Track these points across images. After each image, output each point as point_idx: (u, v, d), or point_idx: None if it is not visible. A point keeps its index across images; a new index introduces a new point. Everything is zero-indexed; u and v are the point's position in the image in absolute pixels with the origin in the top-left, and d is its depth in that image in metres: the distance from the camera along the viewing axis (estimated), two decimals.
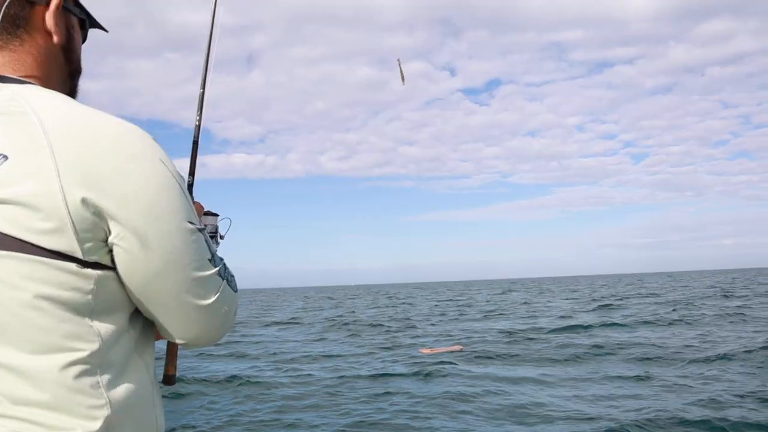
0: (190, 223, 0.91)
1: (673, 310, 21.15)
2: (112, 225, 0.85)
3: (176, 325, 0.96)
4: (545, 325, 17.84)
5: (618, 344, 12.42)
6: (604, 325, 16.76)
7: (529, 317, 21.76)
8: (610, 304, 26.09)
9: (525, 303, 32.65)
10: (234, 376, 10.23)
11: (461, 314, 25.03)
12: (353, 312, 31.04)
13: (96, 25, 1.12)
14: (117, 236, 0.85)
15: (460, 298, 45.58)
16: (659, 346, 11.83)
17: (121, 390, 0.87)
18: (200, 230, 0.94)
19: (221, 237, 1.39)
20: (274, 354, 13.67)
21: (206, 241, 0.95)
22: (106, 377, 0.86)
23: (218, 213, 1.40)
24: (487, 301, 38.03)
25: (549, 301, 33.01)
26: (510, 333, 15.82)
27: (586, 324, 16.96)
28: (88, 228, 0.83)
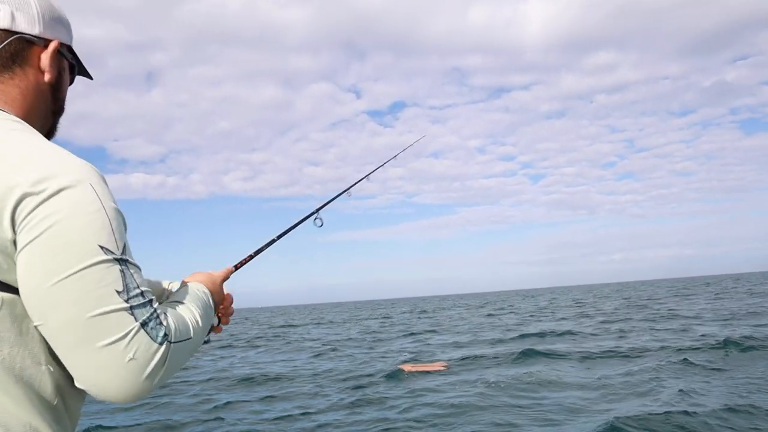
0: (103, 249, 0.84)
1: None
2: (22, 247, 0.83)
3: (75, 368, 0.86)
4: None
5: None
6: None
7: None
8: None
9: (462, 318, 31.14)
10: None
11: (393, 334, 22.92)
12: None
13: (84, 72, 1.19)
14: (21, 258, 0.83)
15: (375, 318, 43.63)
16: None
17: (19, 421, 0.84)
18: (119, 260, 0.86)
19: (207, 341, 1.26)
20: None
21: (123, 273, 0.86)
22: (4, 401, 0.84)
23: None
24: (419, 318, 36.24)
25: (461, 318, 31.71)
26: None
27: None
28: (5, 248, 0.83)
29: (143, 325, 0.86)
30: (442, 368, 10.44)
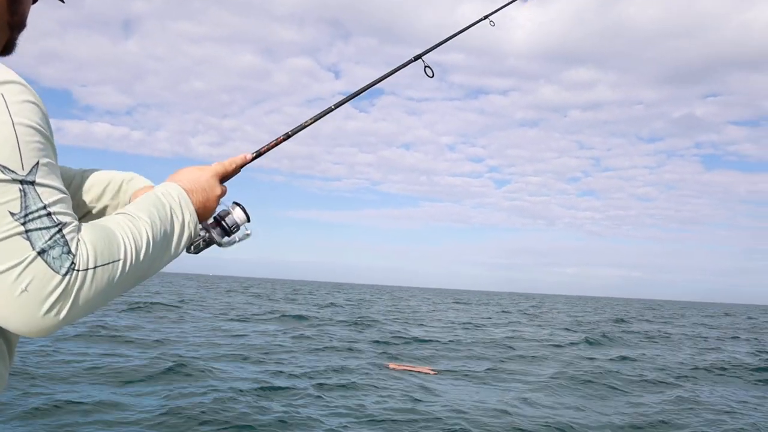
0: (2, 167, 0.74)
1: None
2: None
3: None
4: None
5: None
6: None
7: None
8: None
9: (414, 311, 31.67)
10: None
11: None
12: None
13: None
14: None
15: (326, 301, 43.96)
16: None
17: None
18: (20, 181, 0.75)
19: (220, 244, 1.13)
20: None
21: (24, 193, 0.74)
22: None
23: (250, 216, 1.18)
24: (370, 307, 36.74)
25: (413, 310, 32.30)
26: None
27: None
28: None
29: (41, 252, 0.76)
30: (430, 372, 10.35)
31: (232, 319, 19.04)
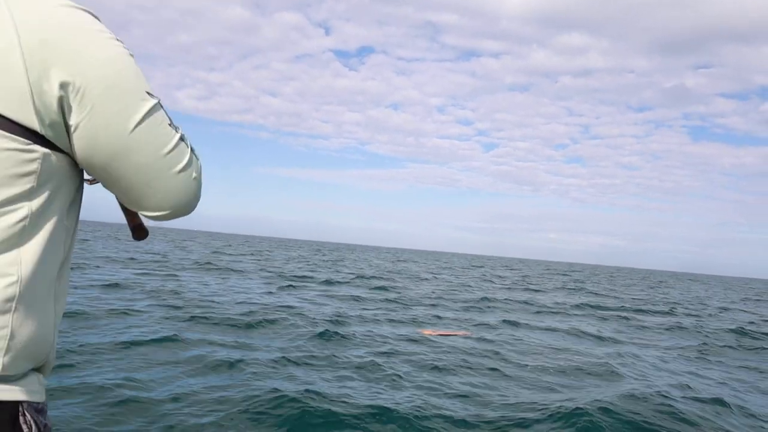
0: (149, 94, 0.94)
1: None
2: (76, 99, 0.87)
3: (152, 198, 0.98)
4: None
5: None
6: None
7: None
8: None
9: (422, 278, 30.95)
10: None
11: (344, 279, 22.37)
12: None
13: None
14: (82, 110, 0.88)
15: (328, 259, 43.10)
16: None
17: (33, 273, 0.88)
18: (158, 100, 0.96)
19: None
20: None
21: (163, 109, 0.97)
22: (24, 255, 0.87)
23: None
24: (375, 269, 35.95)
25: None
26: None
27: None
28: (48, 100, 0.85)
29: (191, 149, 1.01)
30: (465, 335, 9.99)
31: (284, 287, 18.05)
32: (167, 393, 5.20)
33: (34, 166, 0.87)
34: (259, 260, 31.31)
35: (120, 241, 37.63)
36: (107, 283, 12.80)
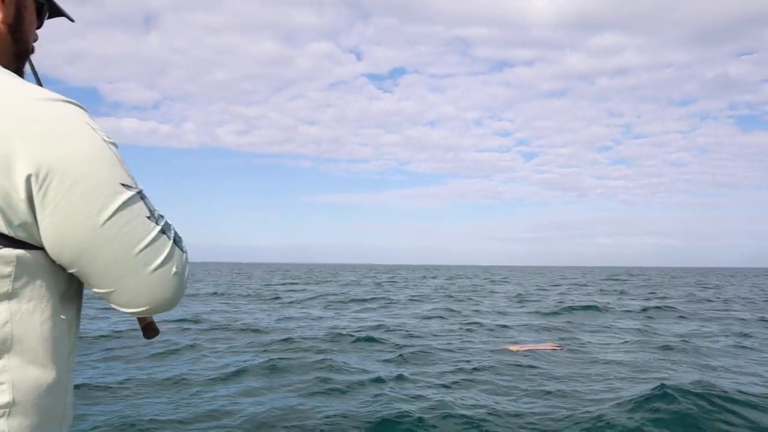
0: (125, 186, 0.88)
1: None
2: (39, 195, 0.82)
3: (126, 295, 0.92)
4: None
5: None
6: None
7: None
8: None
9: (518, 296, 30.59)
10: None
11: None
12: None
13: (59, 12, 1.11)
14: (46, 207, 0.83)
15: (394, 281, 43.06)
16: None
17: (30, 376, 0.85)
18: (137, 191, 0.90)
19: None
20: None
21: (143, 201, 0.91)
22: (13, 360, 0.83)
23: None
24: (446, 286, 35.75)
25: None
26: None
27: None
28: (13, 199, 0.81)
29: (175, 241, 0.93)
30: (554, 348, 9.64)
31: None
32: None
33: (8, 269, 0.83)
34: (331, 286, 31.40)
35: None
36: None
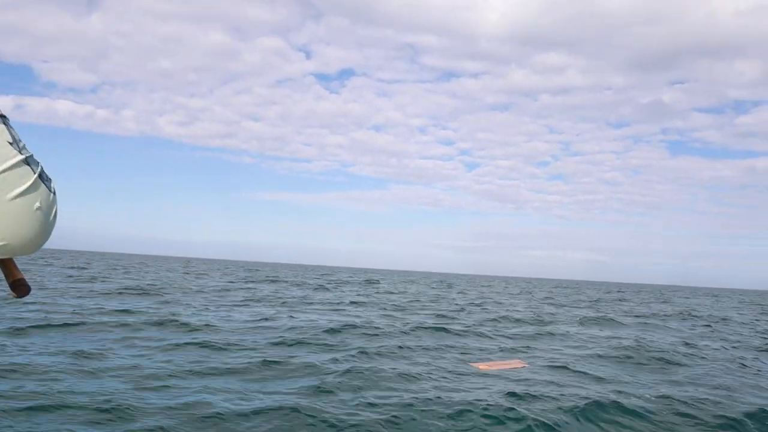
0: None
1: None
2: None
3: None
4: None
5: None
6: None
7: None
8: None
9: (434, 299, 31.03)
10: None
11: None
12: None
13: None
14: None
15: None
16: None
17: None
18: (1, 115, 0.86)
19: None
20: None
21: (5, 125, 0.88)
22: None
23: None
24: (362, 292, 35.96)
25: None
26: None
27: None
28: None
29: (41, 177, 0.87)
30: (523, 366, 9.45)
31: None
32: None
33: None
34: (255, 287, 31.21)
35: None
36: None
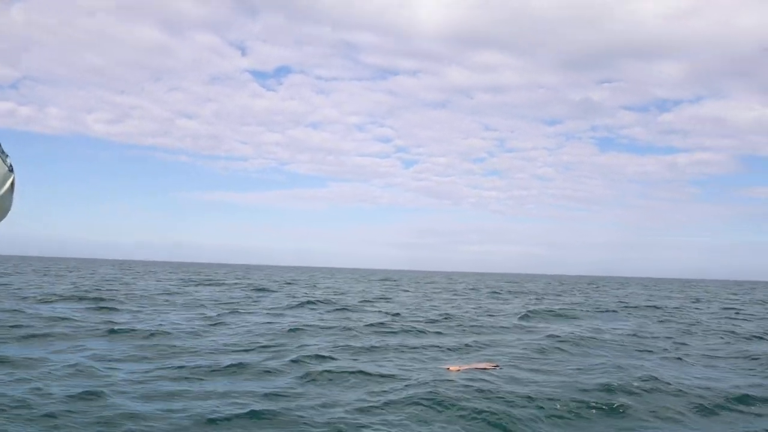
0: None
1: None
2: None
3: None
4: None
5: None
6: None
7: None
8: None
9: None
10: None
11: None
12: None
13: None
14: None
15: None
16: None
17: None
18: None
19: None
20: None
21: None
22: None
23: None
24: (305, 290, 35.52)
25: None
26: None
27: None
28: None
29: (10, 168, 0.90)
30: (494, 368, 9.09)
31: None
32: None
33: None
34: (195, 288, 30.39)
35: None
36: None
